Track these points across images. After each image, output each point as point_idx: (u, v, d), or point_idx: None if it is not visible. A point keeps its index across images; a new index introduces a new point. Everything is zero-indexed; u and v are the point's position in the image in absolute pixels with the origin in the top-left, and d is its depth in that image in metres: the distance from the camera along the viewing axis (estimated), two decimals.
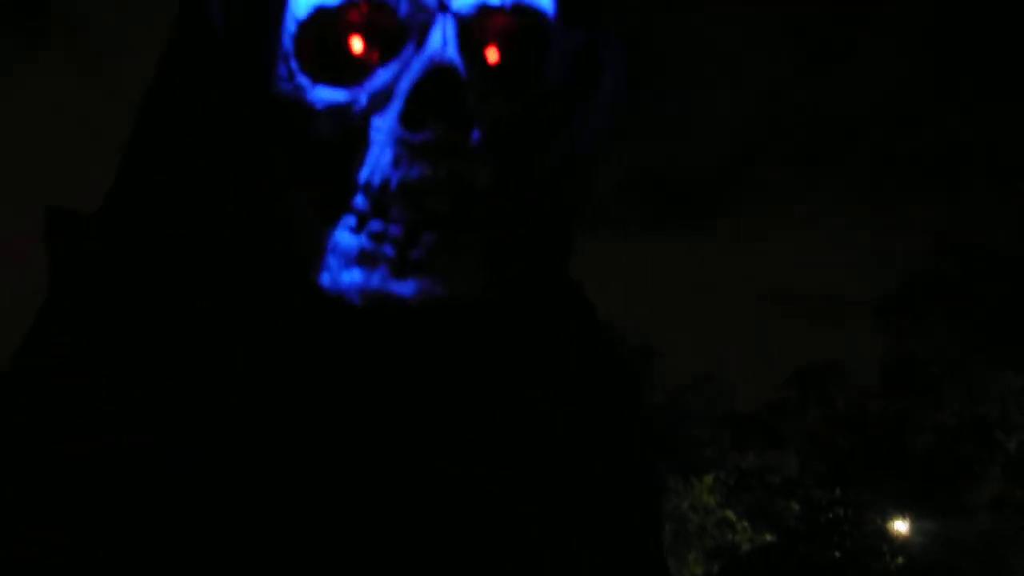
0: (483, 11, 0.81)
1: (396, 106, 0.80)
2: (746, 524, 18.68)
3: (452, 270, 0.82)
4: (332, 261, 0.82)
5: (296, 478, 0.79)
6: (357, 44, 0.81)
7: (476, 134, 0.80)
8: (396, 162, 0.81)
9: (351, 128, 0.82)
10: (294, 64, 0.83)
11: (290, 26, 0.84)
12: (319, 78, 0.83)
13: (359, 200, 0.82)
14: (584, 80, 0.90)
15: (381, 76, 0.81)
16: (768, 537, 19.00)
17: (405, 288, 0.80)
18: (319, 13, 0.81)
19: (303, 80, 0.83)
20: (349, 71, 0.82)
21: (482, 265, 0.83)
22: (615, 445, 0.94)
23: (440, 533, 0.81)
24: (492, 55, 0.83)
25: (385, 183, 0.81)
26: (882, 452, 17.80)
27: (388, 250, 0.80)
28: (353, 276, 0.81)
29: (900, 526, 18.20)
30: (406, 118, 0.79)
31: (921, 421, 17.45)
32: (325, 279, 0.83)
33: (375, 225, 0.81)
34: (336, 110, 0.83)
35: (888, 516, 18.30)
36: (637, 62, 0.90)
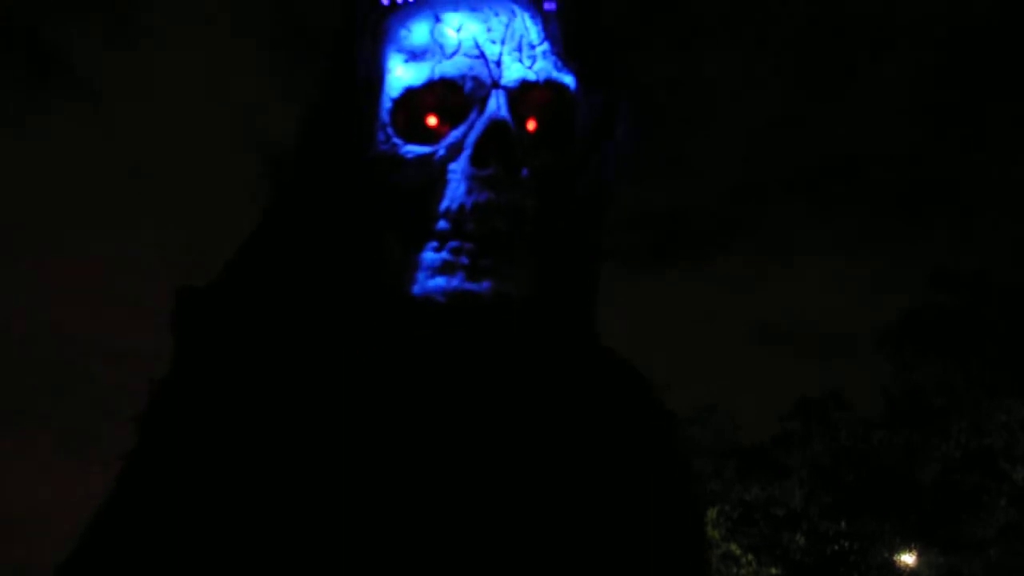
0: (525, 85, 1.13)
1: (466, 153, 1.10)
2: (751, 558, 18.54)
3: (512, 273, 1.08)
4: (420, 275, 1.08)
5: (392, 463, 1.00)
6: (432, 120, 1.12)
7: (524, 171, 1.10)
8: (469, 191, 1.09)
9: (432, 174, 1.11)
10: (390, 130, 1.14)
11: (387, 103, 1.15)
12: (409, 139, 1.12)
13: (441, 223, 1.09)
14: (603, 131, 1.20)
15: (454, 134, 1.11)
16: (774, 571, 18.83)
17: (478, 287, 1.06)
18: (408, 92, 1.12)
19: (397, 140, 1.12)
20: (430, 133, 1.12)
21: (533, 270, 1.10)
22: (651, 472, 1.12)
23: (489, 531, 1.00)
24: (532, 119, 1.14)
25: (461, 207, 1.08)
26: (888, 484, 17.70)
27: (464, 260, 1.07)
28: (437, 281, 1.07)
29: (907, 558, 18.06)
30: (474, 159, 1.09)
31: (926, 452, 17.38)
32: (415, 289, 1.08)
33: (453, 243, 1.08)
34: (421, 160, 1.11)
35: (895, 548, 18.16)
36: (646, 114, 1.26)
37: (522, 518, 0.98)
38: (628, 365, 1.22)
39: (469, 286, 1.08)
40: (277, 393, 1.03)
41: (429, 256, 1.10)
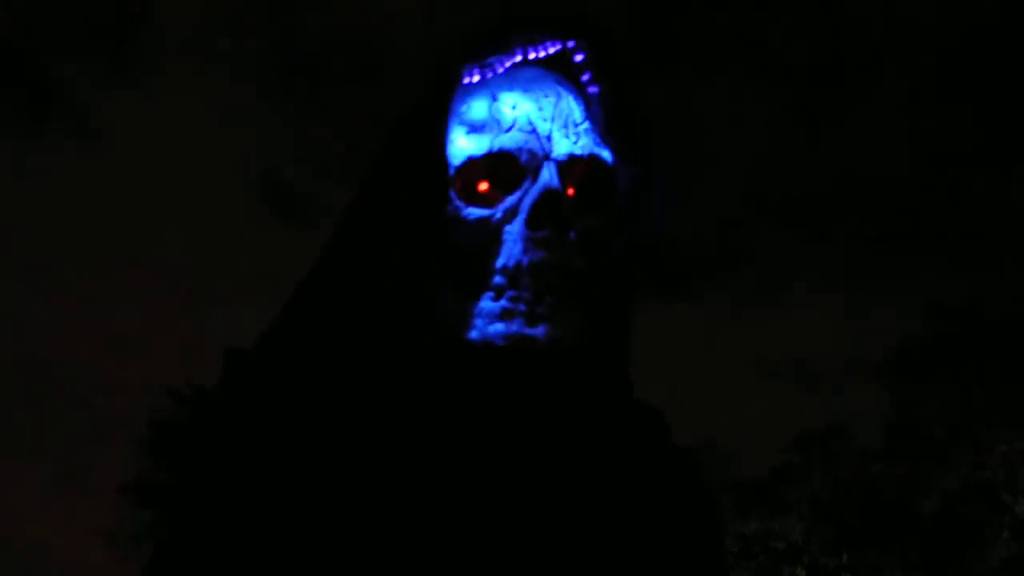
0: (572, 159, 1.28)
1: (522, 217, 1.24)
2: None
3: (566, 320, 1.21)
4: (478, 321, 1.20)
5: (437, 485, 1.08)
6: (483, 186, 1.26)
7: (572, 234, 1.25)
8: (525, 250, 1.22)
9: (490, 234, 1.24)
10: (453, 193, 1.27)
11: (451, 170, 1.28)
12: (470, 202, 1.26)
13: (498, 279, 1.22)
14: (636, 198, 1.34)
15: (510, 200, 1.26)
16: None
17: (536, 332, 1.19)
18: (469, 162, 1.27)
19: (459, 203, 1.26)
20: (483, 198, 1.27)
21: (583, 317, 1.24)
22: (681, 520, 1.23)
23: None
24: (572, 187, 1.28)
25: (518, 264, 1.21)
26: (889, 517, 17.67)
27: (522, 307, 1.20)
28: (497, 327, 1.20)
29: None
30: (530, 222, 1.23)
31: (927, 484, 17.36)
32: (473, 335, 1.20)
33: (511, 293, 1.21)
34: (481, 222, 1.25)
35: None
36: (672, 183, 1.43)
37: (566, 554, 1.08)
38: (655, 410, 1.35)
39: (527, 331, 1.20)
40: (332, 447, 1.10)
41: (488, 305, 1.23)
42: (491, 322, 1.19)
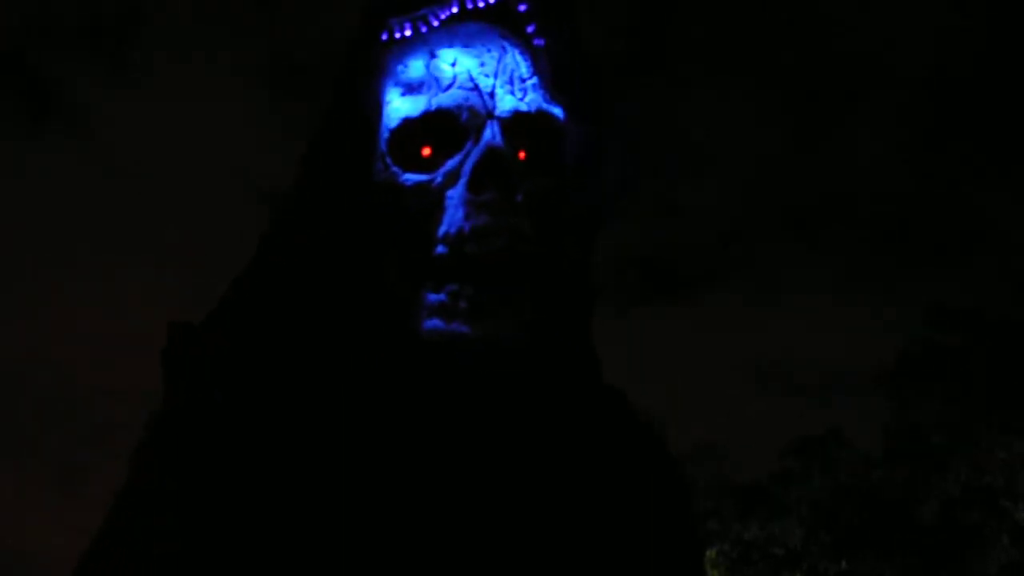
0: (517, 115, 1.21)
1: (464, 180, 1.16)
2: None
3: (507, 316, 1.14)
4: (421, 312, 1.15)
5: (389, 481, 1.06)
6: (427, 150, 1.18)
7: (519, 196, 1.16)
8: (467, 216, 1.14)
9: (431, 200, 1.17)
10: (389, 159, 1.20)
11: (385, 133, 1.21)
12: (407, 167, 1.19)
13: (440, 248, 1.14)
14: (590, 158, 1.25)
15: (451, 163, 1.18)
16: None
17: (475, 330, 1.12)
18: (405, 123, 1.20)
19: (396, 169, 1.19)
20: (426, 162, 1.19)
21: (528, 312, 1.16)
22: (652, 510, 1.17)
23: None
24: (523, 149, 1.20)
25: (460, 231, 1.14)
26: (889, 522, 17.58)
27: (463, 303, 1.13)
28: (435, 323, 1.13)
29: None
30: (471, 184, 1.15)
31: (926, 490, 17.27)
32: (415, 326, 1.15)
33: (451, 287, 1.14)
34: (420, 188, 1.17)
35: None
36: (631, 143, 1.34)
37: (529, 557, 1.02)
38: (627, 405, 1.27)
39: (465, 329, 1.14)
40: (275, 425, 1.06)
41: (428, 297, 1.15)
42: (430, 316, 1.15)
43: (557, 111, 1.25)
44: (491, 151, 1.15)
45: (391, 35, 1.26)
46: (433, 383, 1.13)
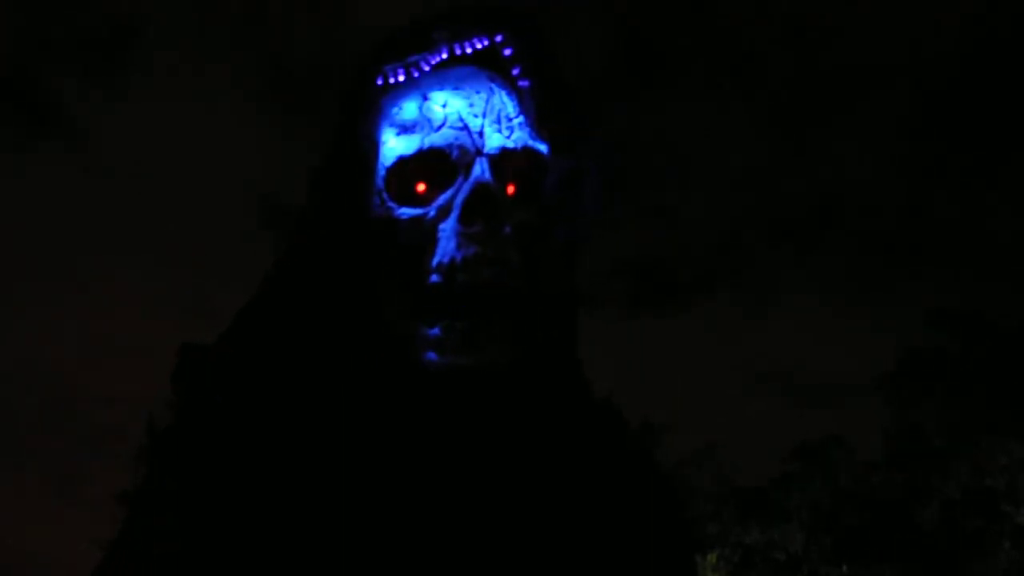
0: (504, 152, 1.26)
1: (455, 214, 1.20)
2: None
3: (497, 346, 1.18)
4: (417, 345, 1.18)
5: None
6: (421, 186, 1.20)
7: (507, 228, 1.22)
8: (458, 246, 1.19)
9: (424, 232, 1.22)
10: (385, 195, 1.23)
11: (381, 171, 1.22)
12: (402, 203, 1.22)
13: (434, 277, 1.20)
14: (573, 190, 1.36)
15: (443, 197, 1.21)
16: None
17: (468, 360, 1.17)
18: (400, 161, 1.22)
19: (391, 204, 1.22)
20: (419, 197, 1.21)
21: (516, 342, 1.20)
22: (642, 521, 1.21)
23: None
24: (511, 183, 1.26)
25: (452, 260, 1.18)
26: (889, 526, 17.58)
27: (456, 336, 1.17)
28: (431, 355, 1.18)
29: None
30: (462, 217, 1.20)
31: (927, 493, 17.28)
32: (413, 358, 1.16)
33: (444, 321, 1.17)
34: (414, 221, 1.22)
35: None
36: (612, 175, 1.38)
37: (524, 564, 1.06)
38: (618, 417, 1.31)
39: (460, 360, 1.17)
40: (275, 431, 1.10)
41: (424, 331, 1.19)
42: (427, 349, 1.22)
43: (542, 147, 1.34)
44: (480, 186, 1.26)
45: (386, 80, 1.31)
46: (429, 406, 1.23)
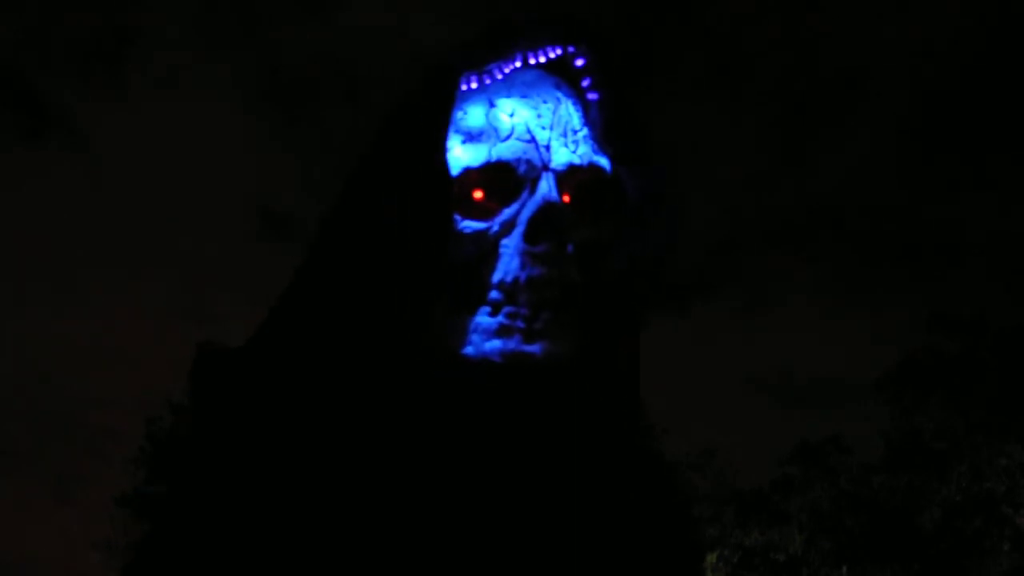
0: (571, 169, 1.21)
1: (519, 230, 1.17)
2: None
3: (562, 336, 1.17)
4: (475, 337, 1.16)
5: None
6: (478, 193, 1.19)
7: (571, 247, 1.19)
8: (522, 265, 1.16)
9: (485, 248, 1.18)
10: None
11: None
12: (466, 215, 1.19)
13: (494, 294, 1.16)
14: (639, 208, 1.28)
15: (507, 212, 1.18)
16: None
17: (533, 348, 1.15)
18: (466, 172, 1.20)
19: (456, 216, 1.18)
20: (485, 210, 1.19)
21: (580, 333, 1.20)
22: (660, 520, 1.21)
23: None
24: (570, 198, 1.22)
25: (515, 280, 1.15)
26: (889, 529, 17.61)
27: (520, 324, 1.15)
28: (494, 344, 1.15)
29: None
30: (528, 235, 1.16)
31: (927, 496, 17.31)
32: (470, 351, 1.16)
33: (508, 309, 1.16)
34: (477, 235, 1.18)
35: None
36: (677, 194, 1.35)
37: (544, 565, 1.05)
38: (648, 425, 1.30)
39: (525, 348, 1.15)
40: (289, 430, 1.09)
41: (484, 321, 1.17)
42: (488, 338, 1.15)
43: (605, 162, 1.27)
44: (547, 204, 1.18)
45: (459, 87, 1.28)
46: (486, 402, 1.17)
